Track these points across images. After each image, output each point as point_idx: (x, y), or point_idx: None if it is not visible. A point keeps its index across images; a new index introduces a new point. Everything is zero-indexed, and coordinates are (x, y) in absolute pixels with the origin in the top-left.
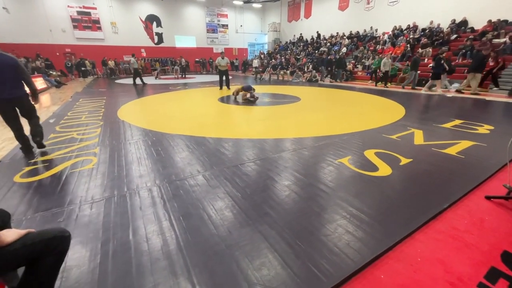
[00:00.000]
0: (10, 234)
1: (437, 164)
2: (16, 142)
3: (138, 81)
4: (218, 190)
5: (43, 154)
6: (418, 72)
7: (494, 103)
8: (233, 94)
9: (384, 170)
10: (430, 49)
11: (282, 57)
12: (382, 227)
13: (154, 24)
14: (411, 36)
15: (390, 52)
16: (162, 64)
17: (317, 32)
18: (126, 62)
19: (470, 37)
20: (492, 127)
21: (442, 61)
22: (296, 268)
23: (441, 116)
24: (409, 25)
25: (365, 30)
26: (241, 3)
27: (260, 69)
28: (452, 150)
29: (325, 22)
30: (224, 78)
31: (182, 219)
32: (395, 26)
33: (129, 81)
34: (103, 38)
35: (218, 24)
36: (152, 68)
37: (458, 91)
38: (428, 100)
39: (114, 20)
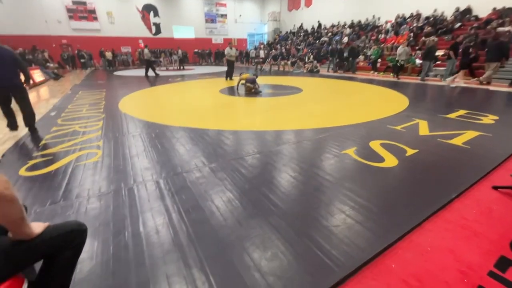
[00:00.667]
0: (36, 227)
1: (443, 155)
2: (19, 136)
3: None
4: (226, 181)
5: (46, 147)
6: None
7: (498, 93)
8: (237, 84)
9: (391, 161)
10: (435, 38)
11: (283, 48)
12: (390, 217)
13: (152, 13)
14: (414, 25)
15: (405, 40)
16: (155, 56)
17: (318, 21)
18: (124, 53)
19: (475, 25)
20: (496, 117)
21: (470, 49)
22: (308, 258)
23: (445, 106)
24: (412, 13)
25: (367, 19)
26: None
27: (260, 60)
28: (458, 141)
29: (326, 11)
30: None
31: (191, 211)
32: (398, 14)
33: (128, 73)
34: (99, 29)
35: (217, 14)
36: (154, 60)
37: (480, 82)
38: (431, 90)
39: (110, 10)
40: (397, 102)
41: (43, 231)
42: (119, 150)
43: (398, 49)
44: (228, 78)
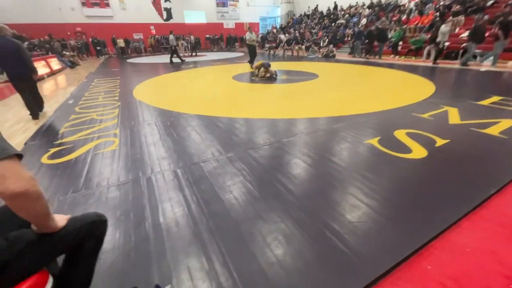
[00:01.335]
0: (60, 219)
1: (478, 146)
2: (39, 124)
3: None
4: (244, 172)
5: (66, 135)
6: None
7: None
8: (255, 70)
9: (419, 152)
10: (462, 17)
11: (296, 31)
12: (423, 213)
13: None
14: (441, 3)
15: (451, 18)
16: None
17: (335, 2)
18: (136, 40)
19: (510, 2)
20: None
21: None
22: (334, 255)
23: (476, 92)
24: None
25: None
26: None
27: (273, 45)
28: (494, 130)
29: None
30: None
31: (210, 202)
32: None
33: (140, 60)
34: (112, 16)
35: None
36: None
37: None
38: (459, 75)
39: None
40: (422, 88)
41: (66, 224)
42: (136, 139)
43: (442, 27)
44: (252, 64)
